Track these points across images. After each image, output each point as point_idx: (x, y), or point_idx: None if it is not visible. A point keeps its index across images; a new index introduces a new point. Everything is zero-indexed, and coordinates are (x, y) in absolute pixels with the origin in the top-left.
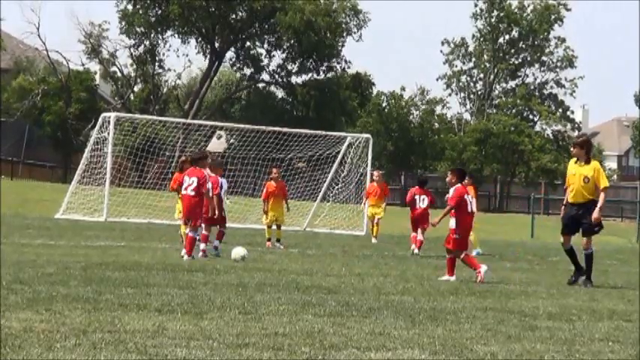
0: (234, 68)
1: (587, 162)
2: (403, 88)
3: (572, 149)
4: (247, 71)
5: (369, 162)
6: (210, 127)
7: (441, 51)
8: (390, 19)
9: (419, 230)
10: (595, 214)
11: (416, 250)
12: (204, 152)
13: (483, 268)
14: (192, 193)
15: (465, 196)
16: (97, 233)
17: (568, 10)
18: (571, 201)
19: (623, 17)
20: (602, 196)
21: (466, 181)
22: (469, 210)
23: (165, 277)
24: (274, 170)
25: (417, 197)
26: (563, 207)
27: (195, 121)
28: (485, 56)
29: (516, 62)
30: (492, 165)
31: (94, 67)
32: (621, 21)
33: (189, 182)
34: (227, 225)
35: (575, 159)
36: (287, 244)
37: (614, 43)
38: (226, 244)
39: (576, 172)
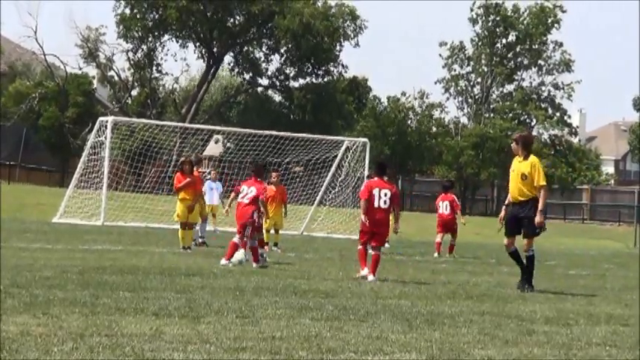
0: (233, 73)
1: (526, 158)
2: (404, 93)
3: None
4: (245, 75)
5: (367, 166)
6: (208, 130)
7: (440, 54)
8: (387, 22)
9: (440, 235)
10: (537, 218)
11: (435, 254)
12: (264, 164)
13: (365, 271)
14: (247, 202)
15: (374, 190)
16: (95, 237)
17: (564, 11)
18: (512, 200)
19: (620, 21)
20: (541, 195)
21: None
22: (375, 205)
23: (162, 281)
24: (274, 174)
25: (440, 203)
26: (504, 207)
27: (193, 125)
28: (482, 60)
29: (513, 66)
30: (489, 169)
31: (92, 71)
32: (619, 24)
33: (248, 191)
34: (224, 229)
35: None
36: (284, 248)
37: (612, 47)
38: (223, 247)
39: (515, 169)
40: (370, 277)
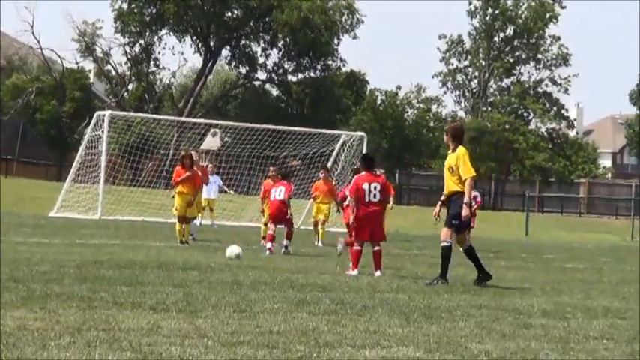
0: (230, 67)
1: (455, 150)
2: (399, 87)
3: None
4: (242, 69)
5: None
6: (205, 125)
7: (438, 48)
8: (386, 16)
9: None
10: (463, 212)
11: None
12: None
13: (355, 272)
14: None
15: (364, 185)
16: (92, 231)
17: (563, 7)
18: (445, 195)
19: (618, 15)
20: (466, 187)
21: (379, 171)
22: (366, 199)
23: (159, 275)
24: (271, 169)
25: None
26: (439, 203)
27: (190, 119)
28: (480, 54)
29: (511, 60)
30: (487, 163)
31: (89, 65)
32: (617, 18)
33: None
34: (222, 223)
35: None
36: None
37: (609, 41)
38: (221, 242)
39: (446, 162)
40: (377, 273)
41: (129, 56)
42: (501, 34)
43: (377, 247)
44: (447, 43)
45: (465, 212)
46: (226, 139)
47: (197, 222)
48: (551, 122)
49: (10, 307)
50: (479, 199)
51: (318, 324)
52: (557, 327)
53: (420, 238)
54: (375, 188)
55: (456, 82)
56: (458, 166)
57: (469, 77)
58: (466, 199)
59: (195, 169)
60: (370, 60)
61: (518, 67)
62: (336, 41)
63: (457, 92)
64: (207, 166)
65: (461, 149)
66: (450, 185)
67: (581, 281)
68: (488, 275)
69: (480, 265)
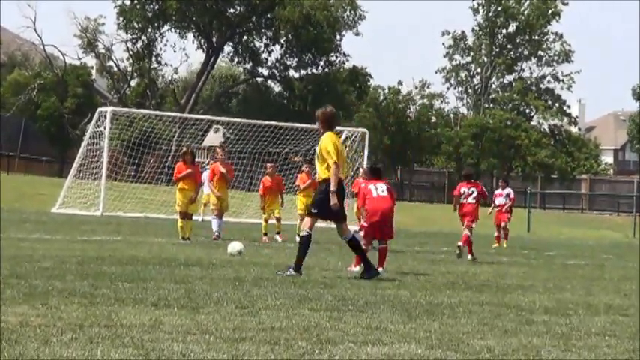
0: (233, 63)
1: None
2: (400, 83)
3: None
4: (245, 65)
5: (366, 156)
6: (207, 121)
7: (443, 43)
8: (389, 11)
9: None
10: (331, 201)
11: (459, 243)
12: (470, 170)
13: (357, 269)
14: (474, 202)
15: (370, 186)
16: (94, 227)
17: (565, 4)
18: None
19: (620, 11)
20: (330, 174)
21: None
22: (374, 195)
23: (161, 272)
24: (269, 166)
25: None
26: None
27: (192, 116)
28: (482, 50)
29: (513, 57)
30: (489, 160)
31: (91, 61)
32: (618, 15)
33: (470, 192)
34: (224, 219)
35: None
36: (285, 238)
37: (611, 37)
38: (223, 239)
39: (317, 149)
40: (379, 270)
41: (131, 52)
42: (503, 31)
43: (383, 245)
44: (451, 38)
45: (332, 201)
46: (228, 135)
47: (199, 218)
48: (553, 119)
49: (11, 304)
50: (512, 196)
51: (320, 320)
52: (559, 323)
53: (422, 235)
54: (382, 187)
55: (459, 78)
56: (323, 152)
57: (471, 73)
58: (332, 187)
59: (223, 165)
60: (374, 56)
61: (520, 64)
62: (338, 37)
63: (460, 89)
64: (208, 162)
65: (327, 134)
66: (320, 172)
67: (583, 278)
68: (375, 271)
69: (365, 257)
